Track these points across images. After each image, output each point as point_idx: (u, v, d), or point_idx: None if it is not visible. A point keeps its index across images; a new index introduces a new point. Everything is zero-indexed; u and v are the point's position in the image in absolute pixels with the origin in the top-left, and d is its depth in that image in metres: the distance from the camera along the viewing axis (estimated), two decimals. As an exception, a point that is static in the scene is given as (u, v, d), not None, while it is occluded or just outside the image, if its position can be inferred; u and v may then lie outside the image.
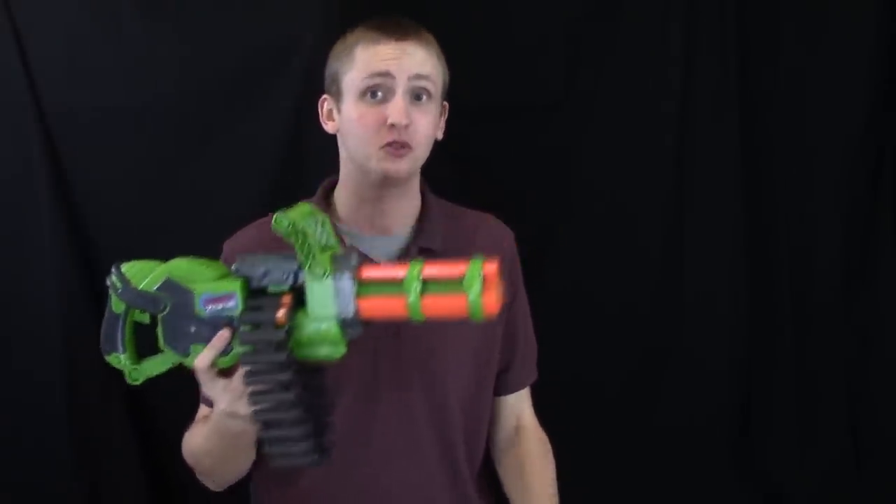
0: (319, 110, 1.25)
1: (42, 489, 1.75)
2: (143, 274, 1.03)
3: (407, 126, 1.14)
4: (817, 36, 1.79)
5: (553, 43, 1.79)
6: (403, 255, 1.22)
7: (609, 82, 1.80)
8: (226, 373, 1.01)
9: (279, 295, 0.97)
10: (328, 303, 0.95)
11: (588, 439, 1.82)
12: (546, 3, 1.78)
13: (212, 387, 1.01)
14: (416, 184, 1.26)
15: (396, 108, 1.13)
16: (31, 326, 1.74)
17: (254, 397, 0.96)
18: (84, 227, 1.75)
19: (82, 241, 1.75)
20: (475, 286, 0.91)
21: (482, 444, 1.33)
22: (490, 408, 1.33)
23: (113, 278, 1.03)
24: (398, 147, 1.15)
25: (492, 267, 0.92)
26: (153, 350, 1.04)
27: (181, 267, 1.02)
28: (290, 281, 0.97)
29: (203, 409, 1.24)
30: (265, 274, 0.98)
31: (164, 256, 1.62)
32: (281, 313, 0.94)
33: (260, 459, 1.25)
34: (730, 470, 1.89)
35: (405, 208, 1.25)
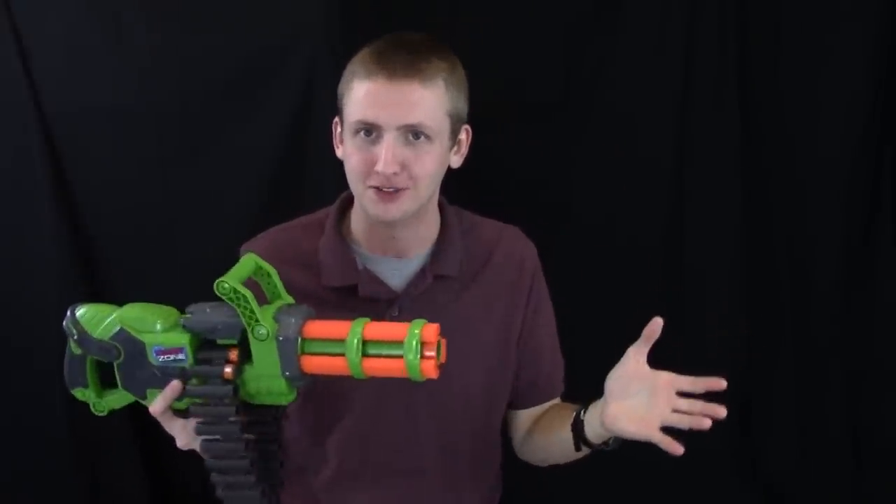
0: (333, 132, 1.21)
1: (42, 489, 1.75)
2: (98, 319, 1.05)
3: (396, 173, 1.09)
4: (818, 34, 1.79)
5: (553, 43, 1.79)
6: (418, 281, 1.20)
7: (609, 81, 1.80)
8: (183, 412, 1.03)
9: (227, 347, 0.99)
10: (272, 361, 0.98)
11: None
12: (546, 3, 1.78)
13: (170, 427, 1.05)
14: (430, 209, 1.22)
15: (382, 157, 1.08)
16: (30, 326, 1.74)
17: (204, 445, 1.00)
18: (84, 226, 1.75)
19: (82, 241, 1.75)
20: (413, 350, 0.93)
21: (493, 459, 1.33)
22: (499, 428, 1.32)
23: (68, 324, 1.05)
24: (388, 192, 1.11)
25: (431, 331, 0.95)
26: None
27: (132, 316, 1.04)
28: (238, 336, 0.99)
29: None
30: (213, 329, 1.00)
31: (165, 256, 1.63)
32: (228, 370, 0.98)
33: None
34: (730, 470, 1.89)
35: (419, 234, 1.21)
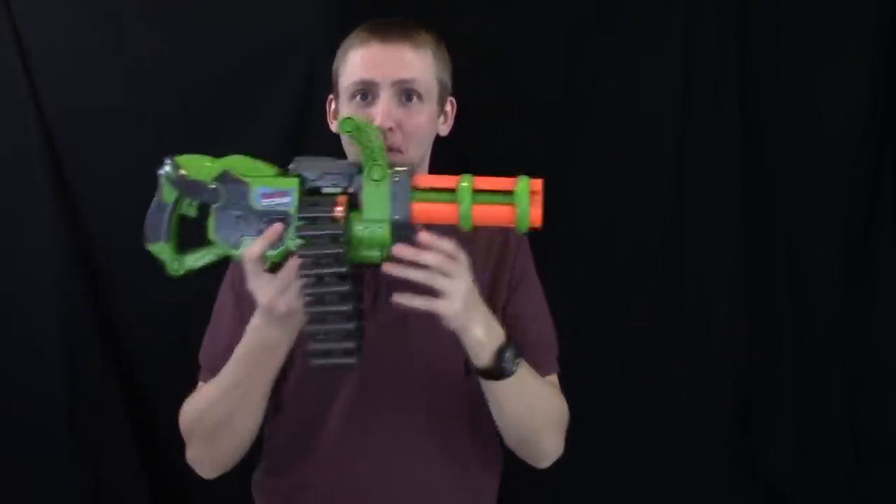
0: (327, 109, 1.26)
1: (42, 489, 1.75)
2: (197, 166, 1.06)
3: (392, 129, 1.14)
4: (818, 34, 1.79)
5: (553, 43, 1.79)
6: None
7: (609, 82, 1.80)
8: (271, 269, 1.03)
9: (334, 195, 1.01)
10: (383, 205, 1.01)
11: (588, 438, 1.81)
12: (546, 3, 1.78)
13: (257, 279, 1.04)
14: None
15: (379, 112, 1.14)
16: (30, 326, 1.74)
17: (307, 289, 1.00)
18: (84, 227, 1.75)
19: (82, 241, 1.75)
20: (524, 198, 0.98)
21: (492, 427, 1.32)
22: None
23: (167, 168, 1.07)
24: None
25: (538, 182, 1.00)
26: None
27: (238, 161, 1.06)
28: (345, 183, 1.02)
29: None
30: (321, 175, 1.02)
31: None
32: (339, 209, 0.99)
33: (266, 452, 1.25)
34: (730, 470, 1.89)
35: None
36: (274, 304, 1.03)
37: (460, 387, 1.24)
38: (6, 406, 1.75)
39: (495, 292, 1.26)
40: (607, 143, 1.81)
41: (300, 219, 1.00)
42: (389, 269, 1.01)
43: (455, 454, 1.26)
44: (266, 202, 1.03)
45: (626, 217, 1.83)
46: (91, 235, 1.75)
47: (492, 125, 1.74)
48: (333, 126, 1.25)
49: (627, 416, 1.85)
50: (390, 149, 1.15)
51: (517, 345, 1.13)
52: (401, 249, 1.00)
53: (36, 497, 1.75)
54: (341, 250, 0.98)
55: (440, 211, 1.01)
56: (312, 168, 1.03)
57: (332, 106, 1.25)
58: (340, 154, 1.25)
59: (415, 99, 1.17)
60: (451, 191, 1.00)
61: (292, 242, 1.02)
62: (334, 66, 1.22)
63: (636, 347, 1.85)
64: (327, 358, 1.03)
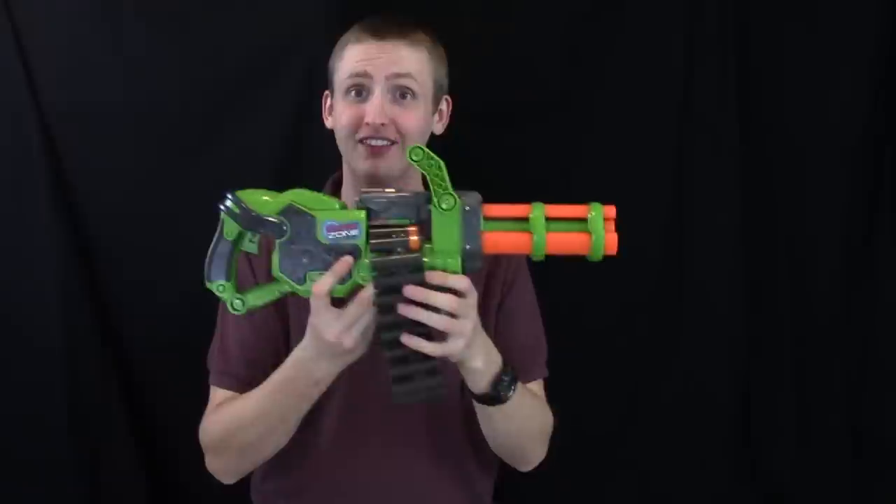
0: (323, 105, 1.27)
1: (42, 489, 1.75)
2: (259, 201, 1.04)
3: (384, 125, 1.15)
4: (818, 34, 1.79)
5: (553, 43, 1.79)
6: None
7: (609, 82, 1.80)
8: (336, 304, 1.02)
9: (404, 225, 0.99)
10: (454, 235, 0.98)
11: (588, 440, 1.82)
12: (546, 3, 1.78)
13: (324, 315, 1.02)
14: (414, 181, 1.26)
15: (372, 108, 1.15)
16: (30, 326, 1.74)
17: (383, 318, 0.98)
18: (84, 226, 1.75)
19: (82, 241, 1.75)
20: (599, 225, 0.97)
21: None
22: None
23: (229, 203, 1.04)
24: (377, 146, 1.17)
25: (611, 209, 0.99)
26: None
27: (303, 195, 1.03)
28: (413, 214, 1.00)
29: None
30: (389, 207, 1.00)
31: (165, 256, 1.62)
32: (414, 238, 0.98)
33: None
34: (730, 470, 1.89)
35: None
36: (341, 340, 1.02)
37: (454, 377, 1.24)
38: (6, 406, 1.75)
39: (490, 291, 1.26)
40: (607, 143, 1.81)
41: (374, 249, 0.99)
42: (403, 311, 0.98)
43: (452, 455, 1.26)
44: (333, 235, 1.01)
45: (626, 218, 1.81)
46: (91, 235, 1.75)
47: (492, 125, 1.74)
48: (328, 122, 1.26)
49: (627, 418, 1.85)
50: (385, 142, 1.16)
51: (513, 370, 1.12)
52: (413, 290, 0.97)
53: (36, 497, 1.75)
54: (421, 279, 0.97)
55: (512, 240, 0.99)
56: (379, 200, 1.01)
57: (328, 102, 1.26)
58: (336, 152, 1.25)
59: (409, 97, 1.18)
60: (523, 219, 0.99)
61: (360, 276, 1.00)
62: (330, 63, 1.23)
63: (636, 349, 1.85)
64: (413, 395, 1.01)
